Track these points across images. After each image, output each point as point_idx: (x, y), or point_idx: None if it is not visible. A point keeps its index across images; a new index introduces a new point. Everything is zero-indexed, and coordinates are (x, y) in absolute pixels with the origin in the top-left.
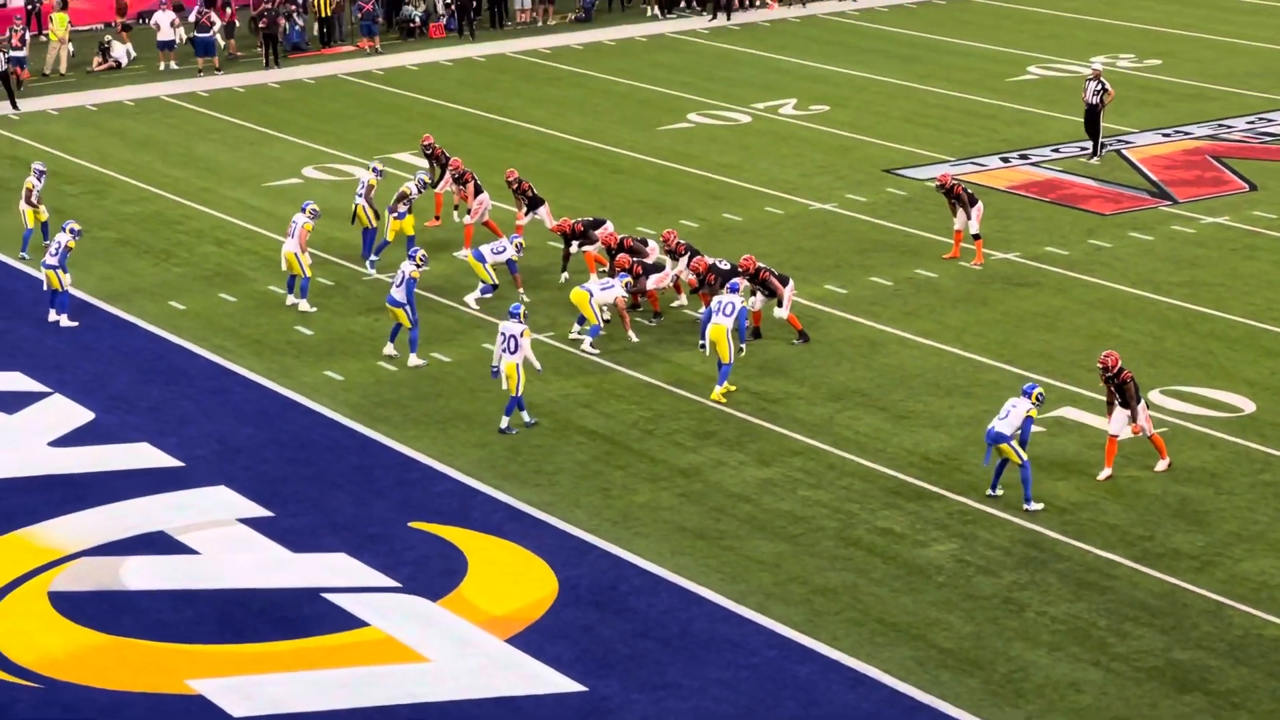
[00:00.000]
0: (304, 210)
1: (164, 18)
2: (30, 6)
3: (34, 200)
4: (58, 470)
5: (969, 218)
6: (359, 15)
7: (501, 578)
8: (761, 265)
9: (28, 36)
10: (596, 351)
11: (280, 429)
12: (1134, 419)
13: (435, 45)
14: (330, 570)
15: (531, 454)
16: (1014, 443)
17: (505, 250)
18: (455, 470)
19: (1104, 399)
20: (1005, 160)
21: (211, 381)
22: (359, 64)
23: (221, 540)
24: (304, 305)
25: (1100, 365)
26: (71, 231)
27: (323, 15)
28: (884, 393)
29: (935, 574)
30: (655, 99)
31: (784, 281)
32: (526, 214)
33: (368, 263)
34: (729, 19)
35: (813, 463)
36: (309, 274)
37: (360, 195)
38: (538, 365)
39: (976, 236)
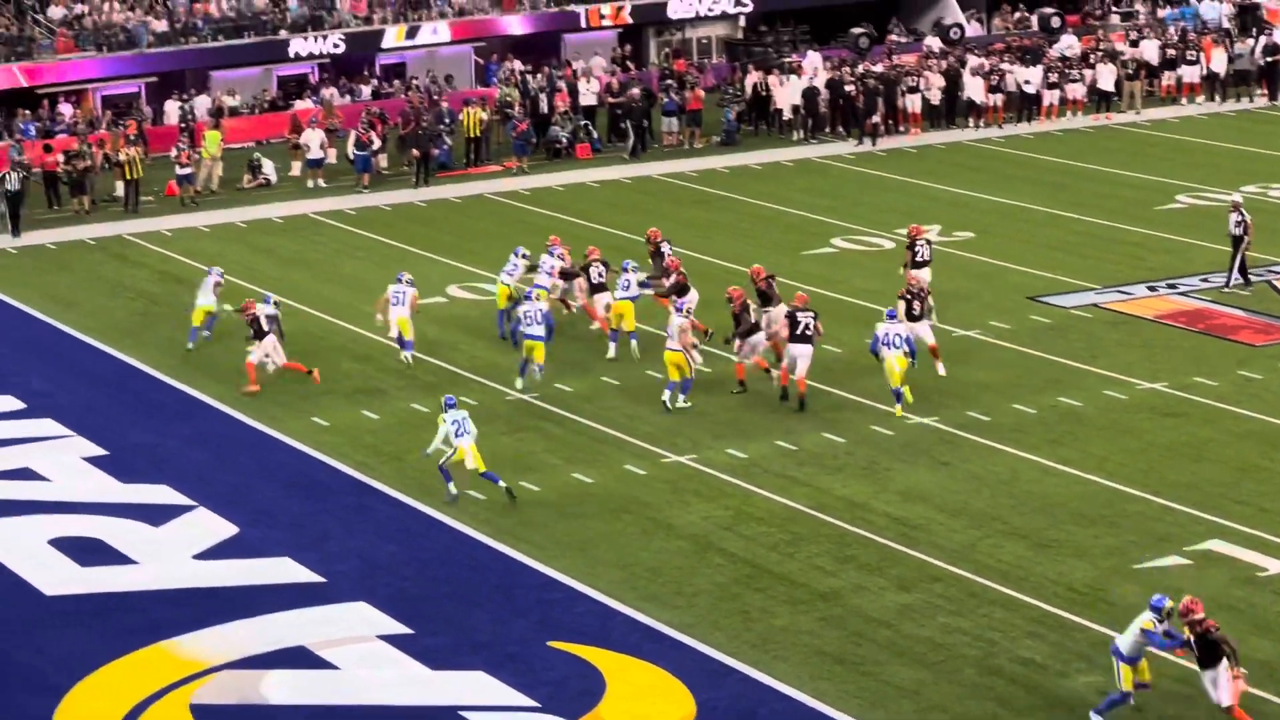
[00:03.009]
0: (400, 280)
1: (314, 137)
2: (183, 125)
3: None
4: (201, 583)
5: (913, 269)
6: (513, 134)
7: (640, 699)
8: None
9: (194, 155)
10: (689, 405)
11: (421, 546)
12: (1236, 663)
13: (582, 166)
14: (469, 688)
15: (672, 575)
16: (1121, 665)
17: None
18: (595, 590)
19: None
20: (1152, 289)
21: (353, 498)
22: (505, 184)
23: (361, 656)
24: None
25: (1182, 612)
26: (274, 305)
27: (471, 136)
28: (1026, 520)
29: (1079, 706)
30: (800, 223)
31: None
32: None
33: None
34: (875, 144)
35: (954, 589)
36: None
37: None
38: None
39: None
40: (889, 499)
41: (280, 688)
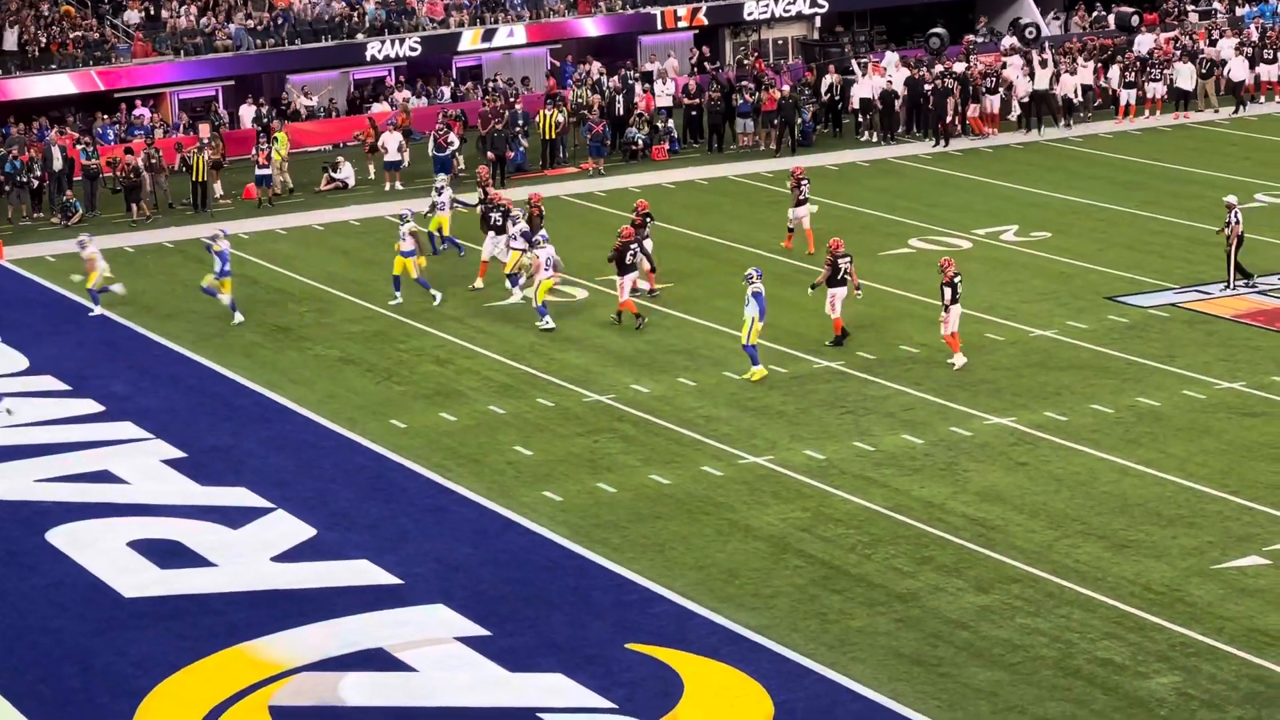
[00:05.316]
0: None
1: (391, 140)
2: (260, 127)
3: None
4: (279, 585)
5: (795, 208)
6: (588, 136)
7: (717, 701)
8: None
9: (274, 154)
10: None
11: (498, 548)
12: None
13: (658, 167)
14: (547, 690)
15: (749, 577)
16: None
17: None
18: (672, 592)
19: None
20: (1230, 288)
21: (430, 500)
22: (581, 185)
23: (439, 658)
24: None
25: None
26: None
27: (546, 138)
28: (1104, 521)
29: (1157, 707)
30: (876, 224)
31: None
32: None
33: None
34: (948, 144)
35: (1031, 590)
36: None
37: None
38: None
39: (790, 230)
40: (967, 500)
41: (358, 690)
